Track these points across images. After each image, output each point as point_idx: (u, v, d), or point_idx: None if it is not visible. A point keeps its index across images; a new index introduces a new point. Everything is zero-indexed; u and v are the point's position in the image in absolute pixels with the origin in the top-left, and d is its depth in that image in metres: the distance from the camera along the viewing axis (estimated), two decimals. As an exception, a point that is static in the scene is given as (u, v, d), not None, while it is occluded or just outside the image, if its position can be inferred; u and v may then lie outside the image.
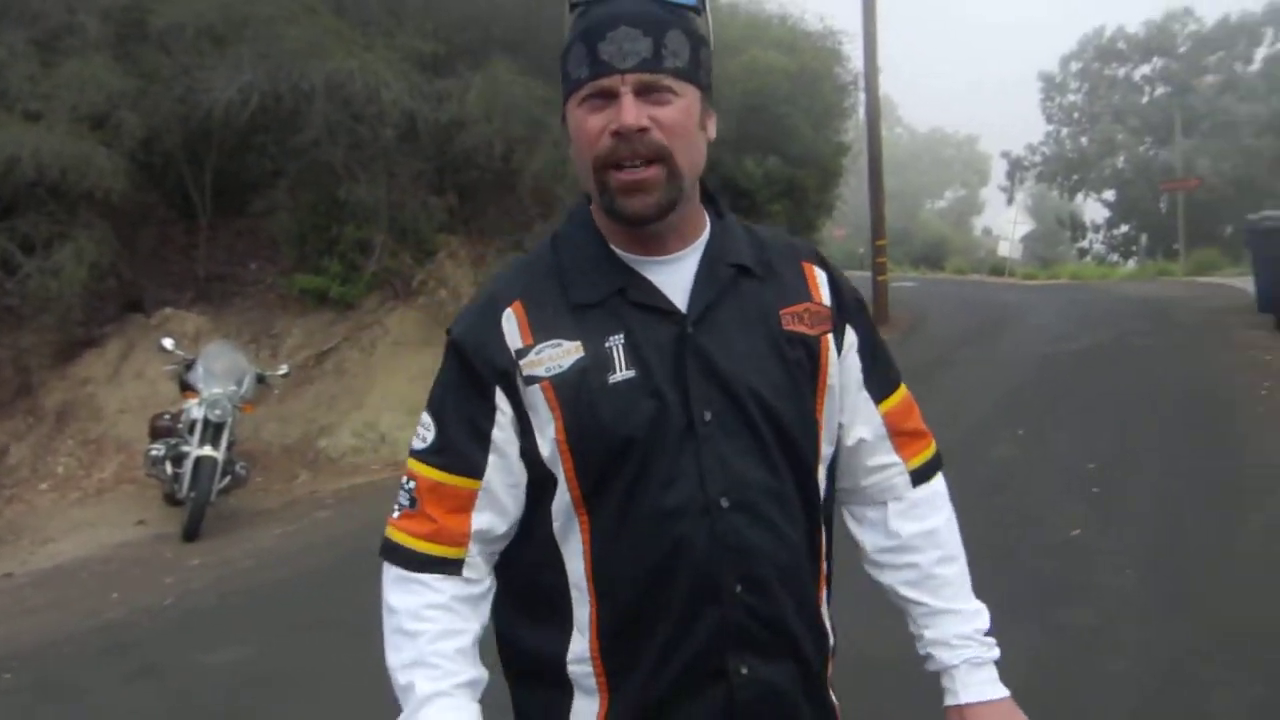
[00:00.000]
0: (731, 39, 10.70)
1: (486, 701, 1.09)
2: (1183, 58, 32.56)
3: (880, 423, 1.18)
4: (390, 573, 1.11)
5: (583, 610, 1.07)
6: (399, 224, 8.53)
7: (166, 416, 6.24)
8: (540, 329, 1.05)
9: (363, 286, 8.46)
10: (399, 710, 1.07)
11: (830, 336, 1.13)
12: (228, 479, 5.95)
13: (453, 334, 1.10)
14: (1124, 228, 33.90)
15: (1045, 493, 5.00)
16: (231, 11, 7.55)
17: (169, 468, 5.90)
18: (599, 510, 1.05)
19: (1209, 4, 32.75)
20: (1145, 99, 33.56)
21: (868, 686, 2.17)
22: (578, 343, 1.04)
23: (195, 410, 5.89)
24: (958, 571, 1.20)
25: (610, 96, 1.01)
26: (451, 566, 1.08)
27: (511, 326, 1.06)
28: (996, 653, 1.19)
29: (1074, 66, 34.68)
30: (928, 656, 1.20)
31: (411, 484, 1.10)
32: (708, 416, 1.04)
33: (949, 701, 1.18)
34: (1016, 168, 35.61)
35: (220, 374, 6.07)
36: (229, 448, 5.93)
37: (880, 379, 1.19)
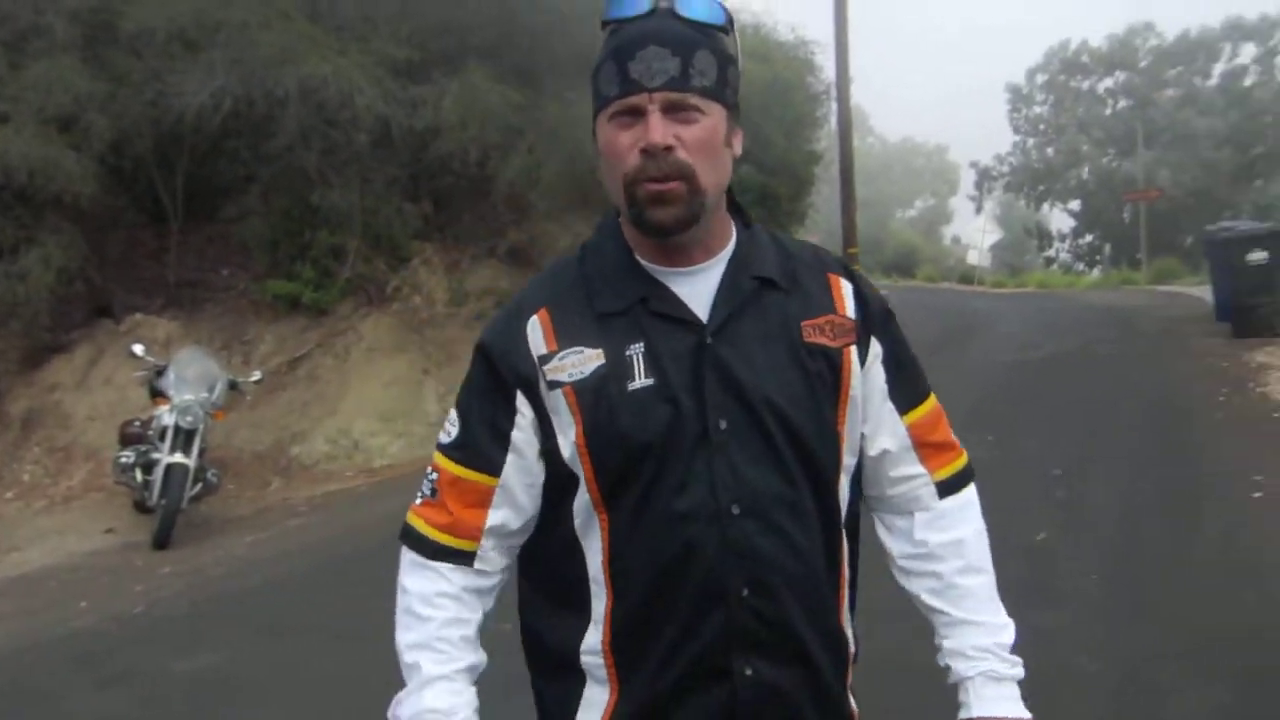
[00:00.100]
0: (705, 49, 10.79)
1: (483, 684, 1.15)
2: (1144, 71, 33.29)
3: (905, 434, 1.19)
4: (406, 556, 1.17)
5: (599, 604, 1.11)
6: (373, 230, 8.51)
7: (136, 423, 6.18)
8: (564, 336, 1.09)
9: (336, 293, 8.42)
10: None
11: (853, 349, 1.14)
12: (199, 486, 5.91)
13: (481, 339, 1.16)
14: (1089, 237, 34.57)
15: (1013, 497, 5.09)
16: (204, 16, 7.49)
17: (139, 475, 5.83)
18: (617, 510, 1.09)
19: (1170, 19, 33.53)
20: (1109, 111, 34.26)
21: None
22: (599, 350, 1.08)
23: (166, 417, 5.84)
24: (982, 584, 1.19)
25: (639, 114, 1.04)
26: (464, 558, 1.14)
27: (536, 333, 1.10)
28: (1019, 671, 1.18)
29: (1040, 79, 35.32)
30: (947, 668, 1.19)
31: (434, 475, 1.16)
32: (723, 425, 1.07)
33: (962, 715, 1.17)
34: (985, 178, 36.17)
35: (192, 380, 6.02)
36: (200, 455, 5.89)
37: (907, 390, 1.19)
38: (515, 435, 1.11)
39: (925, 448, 1.20)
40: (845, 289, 1.16)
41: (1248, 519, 4.64)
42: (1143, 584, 3.92)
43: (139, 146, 7.89)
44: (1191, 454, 5.92)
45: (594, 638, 1.11)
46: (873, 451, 1.18)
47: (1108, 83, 34.69)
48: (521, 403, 1.11)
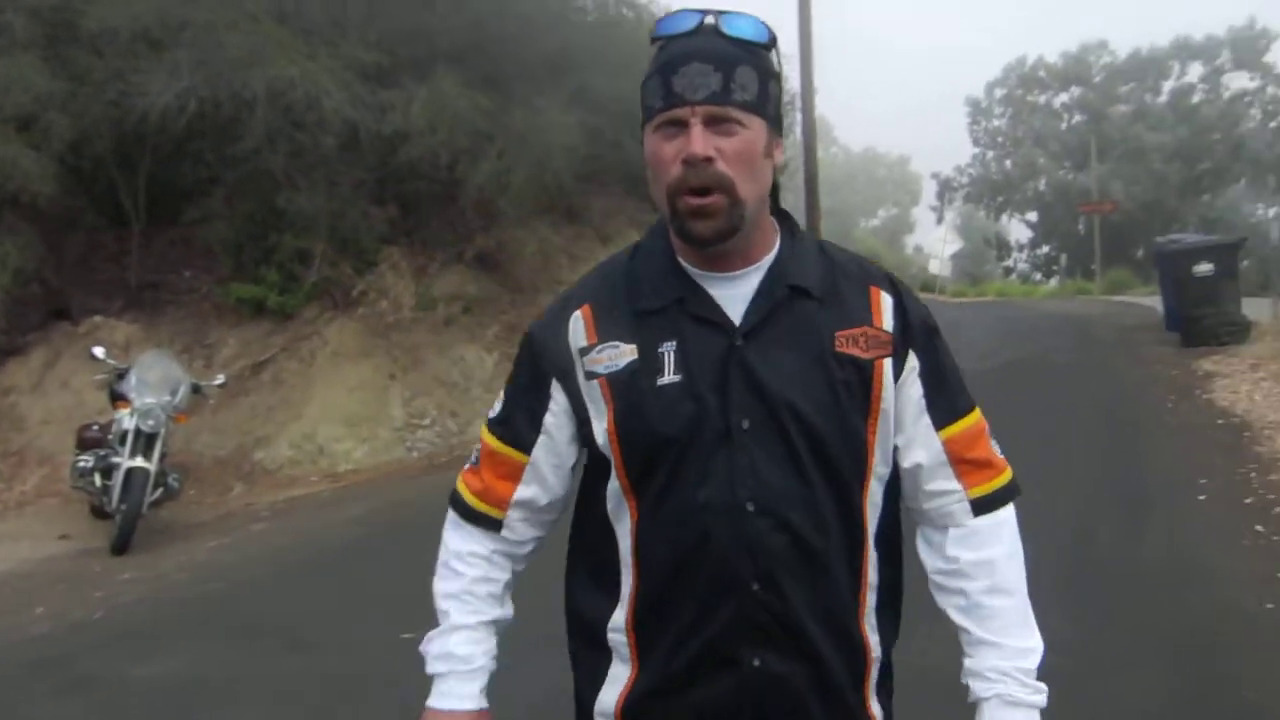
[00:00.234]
0: (673, 58, 10.89)
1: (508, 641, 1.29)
2: (1098, 87, 34.20)
3: (940, 449, 1.20)
4: (450, 513, 1.29)
5: (626, 585, 1.19)
6: (339, 234, 8.46)
7: (95, 427, 6.08)
8: (604, 330, 1.17)
9: (302, 297, 8.35)
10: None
11: (888, 361, 1.16)
12: (160, 491, 5.81)
13: (529, 328, 1.26)
14: (1045, 248, 35.35)
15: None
16: (168, 16, 7.42)
17: (98, 480, 5.73)
18: (643, 497, 1.16)
19: (1122, 37, 34.47)
20: (1064, 125, 35.12)
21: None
22: (634, 346, 1.15)
23: (127, 420, 5.75)
24: (1010, 606, 1.20)
25: (682, 125, 1.10)
26: (492, 524, 1.25)
27: (578, 327, 1.19)
28: (1040, 699, 1.18)
29: (998, 93, 36.10)
30: (967, 686, 1.21)
31: (479, 446, 1.28)
32: (745, 425, 1.12)
33: None
34: (946, 188, 36.83)
35: (154, 383, 5.94)
36: (162, 459, 5.80)
37: (945, 405, 1.21)
38: (547, 419, 1.21)
39: (961, 464, 1.20)
40: (885, 302, 1.19)
41: (1192, 521, 4.82)
42: (1091, 585, 4.04)
43: (99, 147, 7.77)
44: (1141, 458, 6.12)
45: (620, 616, 1.19)
46: (906, 464, 1.20)
47: (1063, 98, 35.59)
48: (556, 390, 1.20)
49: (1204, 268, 10.06)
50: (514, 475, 1.23)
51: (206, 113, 7.46)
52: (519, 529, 1.25)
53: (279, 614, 4.39)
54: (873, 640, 1.20)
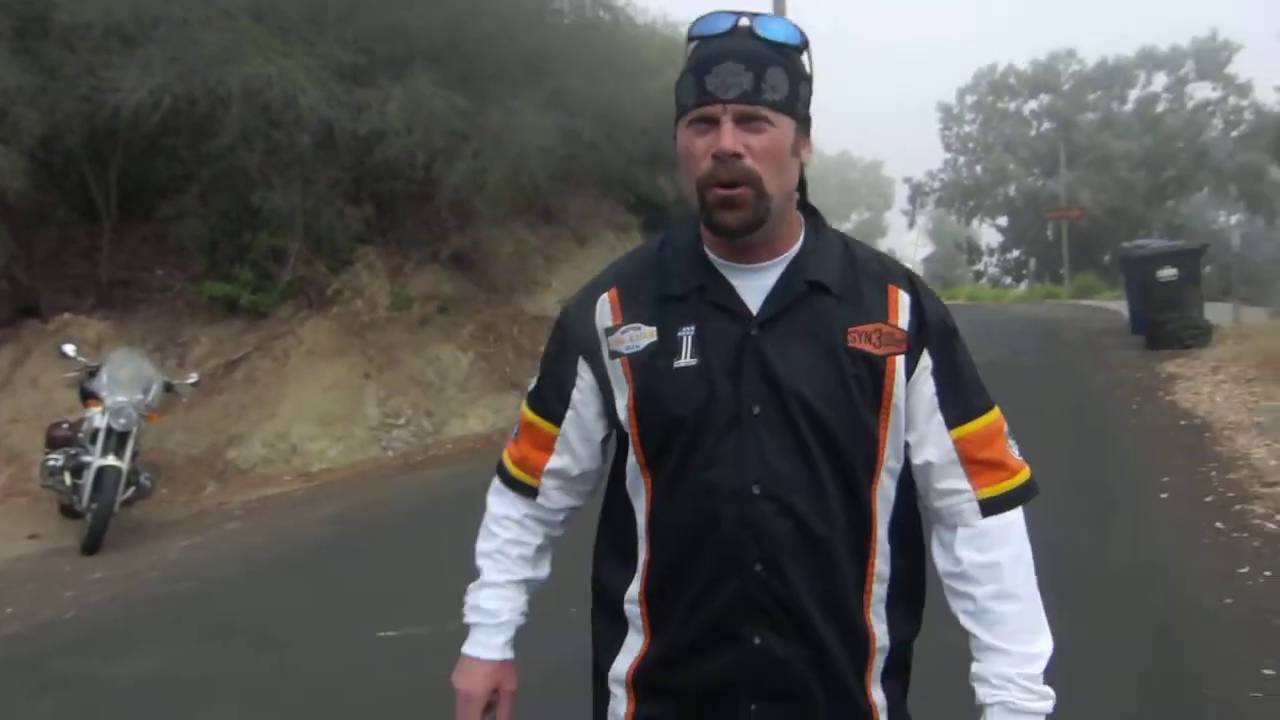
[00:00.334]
0: (649, 61, 10.96)
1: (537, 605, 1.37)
2: (1066, 95, 34.76)
3: (951, 447, 1.21)
4: (494, 480, 1.38)
5: (641, 557, 1.25)
6: (314, 232, 8.42)
7: (65, 425, 6.00)
8: (628, 312, 1.24)
9: (276, 295, 8.30)
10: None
11: (900, 358, 1.19)
12: (131, 490, 5.76)
13: (562, 310, 1.34)
14: (1015, 252, 35.89)
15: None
16: (142, 11, 7.34)
17: (68, 478, 5.67)
18: (659, 474, 1.21)
19: (1090, 46, 35.06)
20: (1034, 132, 35.64)
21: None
22: (654, 329, 1.21)
23: (98, 419, 5.69)
24: (1016, 611, 1.20)
25: (713, 122, 1.14)
26: (527, 491, 1.33)
27: (605, 309, 1.26)
28: (1046, 705, 1.18)
29: (969, 99, 36.58)
30: (973, 690, 1.21)
31: (520, 418, 1.37)
32: (756, 410, 1.16)
33: None
34: (918, 193, 37.28)
35: (126, 381, 5.88)
36: (133, 457, 5.75)
37: (959, 405, 1.22)
38: (574, 395, 1.29)
39: (973, 464, 1.21)
40: (902, 300, 1.22)
41: (1155, 520, 4.95)
42: (1057, 582, 4.11)
43: (70, 142, 7.69)
44: (1106, 459, 6.26)
45: (635, 588, 1.25)
46: (917, 460, 1.22)
47: (1033, 104, 36.13)
48: (583, 368, 1.27)
49: (1168, 273, 10.28)
50: (547, 445, 1.31)
51: (181, 109, 7.39)
52: (553, 496, 1.33)
53: (252, 613, 4.37)
54: (879, 630, 1.21)
